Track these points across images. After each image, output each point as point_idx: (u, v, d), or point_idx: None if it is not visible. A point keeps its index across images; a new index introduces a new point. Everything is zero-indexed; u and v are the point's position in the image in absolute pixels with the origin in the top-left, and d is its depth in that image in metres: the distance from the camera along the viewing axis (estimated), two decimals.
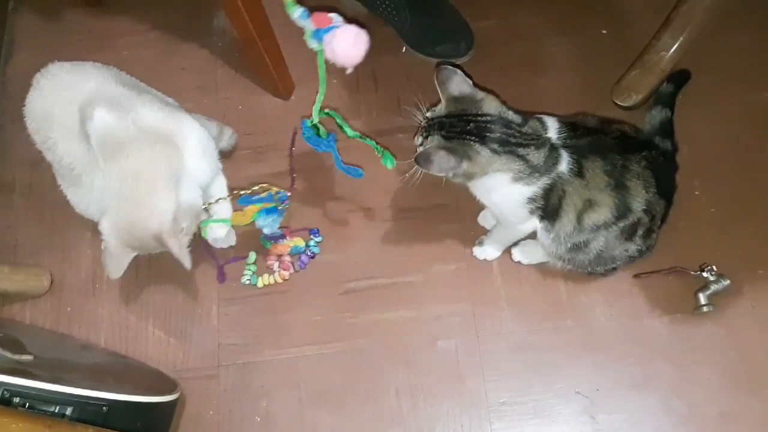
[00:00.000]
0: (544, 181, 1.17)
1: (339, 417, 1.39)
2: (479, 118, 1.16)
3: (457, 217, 1.49)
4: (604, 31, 1.61)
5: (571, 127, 1.21)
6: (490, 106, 1.18)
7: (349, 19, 1.17)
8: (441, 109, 1.21)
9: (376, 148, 1.34)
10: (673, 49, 1.49)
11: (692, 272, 1.37)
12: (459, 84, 1.19)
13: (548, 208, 1.21)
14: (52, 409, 1.04)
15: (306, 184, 1.58)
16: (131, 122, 1.20)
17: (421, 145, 1.21)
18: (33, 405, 1.03)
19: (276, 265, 1.50)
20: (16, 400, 1.02)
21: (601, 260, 1.29)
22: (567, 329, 1.39)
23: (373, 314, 1.45)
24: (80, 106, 1.23)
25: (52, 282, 1.55)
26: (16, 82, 1.77)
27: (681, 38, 1.49)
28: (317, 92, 1.25)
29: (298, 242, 1.51)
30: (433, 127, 1.19)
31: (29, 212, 1.63)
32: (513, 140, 1.15)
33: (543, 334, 1.39)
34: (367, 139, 1.35)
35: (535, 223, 1.27)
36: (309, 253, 1.51)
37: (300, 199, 1.56)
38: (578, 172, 1.18)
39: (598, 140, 1.21)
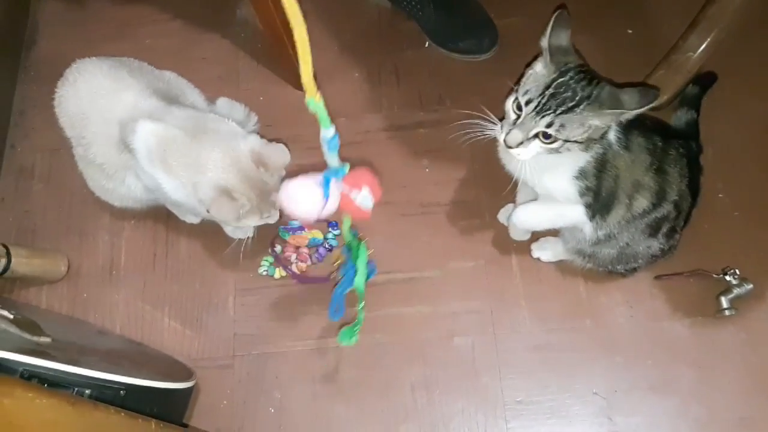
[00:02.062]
0: (597, 150, 1.10)
1: (353, 410, 1.38)
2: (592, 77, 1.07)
3: (477, 213, 1.48)
4: (630, 31, 1.60)
5: None
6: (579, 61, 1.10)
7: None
8: (546, 72, 1.08)
9: (357, 326, 1.28)
10: (700, 50, 1.47)
11: (715, 275, 1.35)
12: (567, 37, 1.10)
13: (601, 194, 1.15)
14: (70, 390, 1.04)
15: None
16: (174, 127, 1.21)
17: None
18: (51, 386, 1.02)
19: (293, 256, 1.50)
20: (35, 380, 1.01)
21: (624, 257, 1.28)
22: (586, 329, 1.38)
23: (390, 308, 1.44)
24: (120, 121, 1.25)
25: (69, 267, 1.55)
26: (39, 69, 1.78)
27: (708, 39, 1.48)
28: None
29: (316, 234, 1.51)
30: (560, 95, 1.04)
31: (48, 198, 1.63)
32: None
33: (561, 334, 1.38)
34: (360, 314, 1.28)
35: (582, 216, 1.20)
36: (327, 246, 1.50)
37: None
38: (625, 144, 1.12)
39: (641, 119, 1.16)
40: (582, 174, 1.13)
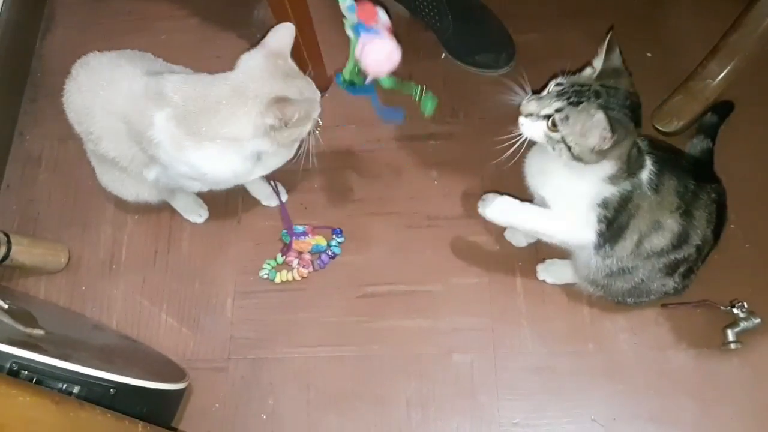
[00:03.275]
0: (626, 185, 1.10)
1: (346, 422, 1.36)
2: (633, 98, 1.08)
3: (484, 229, 1.46)
4: (649, 54, 1.58)
5: (650, 140, 1.16)
6: (627, 82, 1.10)
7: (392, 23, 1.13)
8: (590, 77, 1.10)
9: (414, 91, 1.24)
10: (719, 78, 1.45)
11: (722, 307, 1.32)
12: (618, 57, 1.11)
13: (613, 225, 1.14)
14: (59, 386, 1.02)
15: (332, 183, 1.56)
16: (182, 100, 1.18)
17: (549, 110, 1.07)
18: (41, 380, 1.01)
19: (295, 261, 1.48)
20: (24, 373, 1.00)
21: (636, 292, 1.25)
22: (588, 354, 1.35)
23: (389, 321, 1.42)
24: (124, 117, 1.22)
25: (70, 259, 1.54)
26: (52, 58, 1.77)
27: (728, 67, 1.45)
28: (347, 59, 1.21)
29: (320, 241, 1.49)
30: (583, 93, 1.05)
31: (53, 187, 1.62)
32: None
33: (563, 357, 1.36)
34: (406, 84, 1.23)
35: (588, 238, 1.17)
36: (330, 253, 1.49)
37: (325, 198, 1.54)
38: (656, 187, 1.11)
39: (676, 159, 1.16)
40: (604, 204, 1.12)
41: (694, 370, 1.32)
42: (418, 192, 1.52)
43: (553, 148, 1.08)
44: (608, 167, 1.09)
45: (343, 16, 1.11)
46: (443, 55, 1.64)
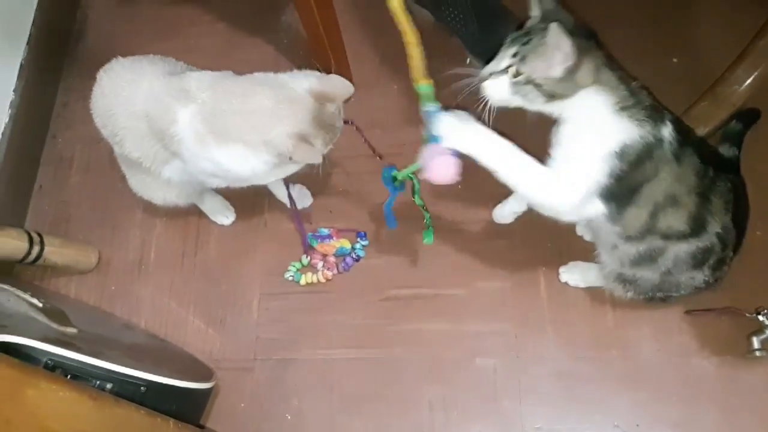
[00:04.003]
0: (647, 131, 1.05)
1: (369, 424, 1.38)
2: (584, 26, 1.08)
3: (507, 233, 1.47)
4: (675, 60, 1.57)
5: (676, 118, 1.13)
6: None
7: None
8: (533, 25, 1.11)
9: (428, 221, 1.32)
10: (746, 84, 1.44)
11: (747, 314, 1.31)
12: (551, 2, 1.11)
13: (622, 182, 1.08)
14: (92, 383, 1.05)
15: (356, 186, 1.57)
16: (210, 98, 1.20)
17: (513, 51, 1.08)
18: (75, 377, 1.03)
19: (320, 264, 1.50)
20: (59, 370, 1.03)
21: (665, 285, 1.24)
22: (611, 360, 1.35)
23: (413, 324, 1.43)
24: (143, 111, 1.24)
25: (100, 260, 1.58)
26: (85, 62, 1.81)
27: (755, 73, 1.44)
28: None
29: (344, 244, 1.51)
30: (531, 33, 1.07)
31: (84, 189, 1.66)
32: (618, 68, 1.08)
33: (586, 363, 1.36)
34: (427, 212, 1.32)
35: (597, 206, 1.13)
36: (354, 256, 1.50)
37: (349, 201, 1.56)
38: (677, 153, 1.08)
39: (701, 142, 1.14)
40: (623, 152, 1.06)
41: (718, 378, 1.32)
42: (443, 196, 1.53)
43: (525, 97, 1.07)
44: (601, 94, 1.06)
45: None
46: (468, 60, 1.65)
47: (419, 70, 1.02)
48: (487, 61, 1.15)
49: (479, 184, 1.51)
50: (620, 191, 1.10)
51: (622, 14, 1.63)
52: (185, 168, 1.30)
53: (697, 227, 1.14)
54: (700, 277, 1.22)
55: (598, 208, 1.14)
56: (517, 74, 1.07)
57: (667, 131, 1.08)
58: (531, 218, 1.42)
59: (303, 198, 1.56)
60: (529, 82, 1.06)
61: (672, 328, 1.36)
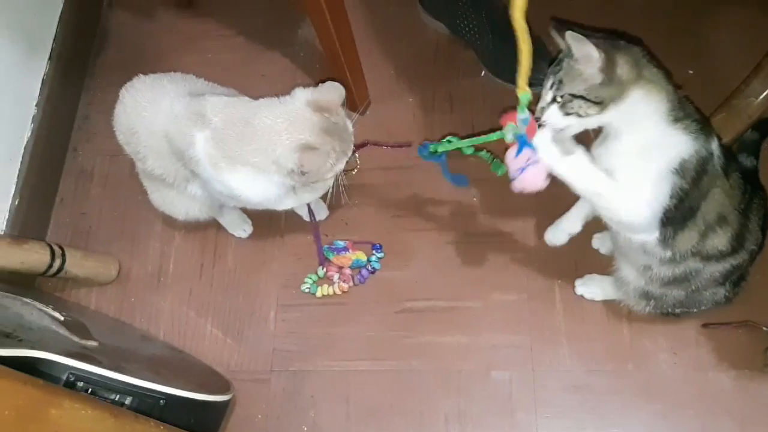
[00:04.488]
0: (701, 145, 1.02)
1: None
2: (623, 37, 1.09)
3: (523, 246, 1.48)
4: (691, 72, 1.57)
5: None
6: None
7: None
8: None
9: (488, 158, 1.29)
10: (762, 96, 1.43)
11: (764, 328, 1.31)
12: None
13: (684, 204, 1.06)
14: (112, 396, 1.07)
15: (372, 199, 1.58)
16: (222, 122, 1.22)
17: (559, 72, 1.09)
18: (95, 391, 1.06)
19: (336, 276, 1.51)
20: (80, 384, 1.05)
21: (689, 302, 1.24)
22: (627, 373, 1.35)
23: (428, 336, 1.44)
24: (167, 135, 1.26)
25: (120, 271, 1.60)
26: (105, 76, 1.84)
27: None
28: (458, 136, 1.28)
29: (360, 256, 1.52)
30: (560, 62, 1.09)
31: (104, 201, 1.68)
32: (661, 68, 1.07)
33: (601, 376, 1.36)
34: (482, 151, 1.29)
35: (651, 214, 1.09)
36: (370, 268, 1.51)
37: (365, 214, 1.57)
38: (725, 168, 1.07)
39: (738, 158, 1.15)
40: (682, 168, 1.03)
41: (735, 392, 1.31)
42: (458, 209, 1.54)
43: (580, 115, 1.05)
44: (653, 95, 1.03)
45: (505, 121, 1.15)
46: (483, 73, 1.66)
47: (525, 78, 1.03)
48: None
49: (494, 197, 1.53)
50: (680, 213, 1.08)
51: (637, 26, 1.62)
52: (205, 187, 1.32)
53: (737, 246, 1.13)
54: (722, 292, 1.22)
55: (652, 233, 1.13)
56: (561, 98, 1.07)
57: (715, 144, 1.07)
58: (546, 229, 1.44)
59: (319, 210, 1.57)
60: (574, 97, 1.05)
61: (689, 342, 1.36)
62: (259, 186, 1.24)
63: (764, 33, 1.50)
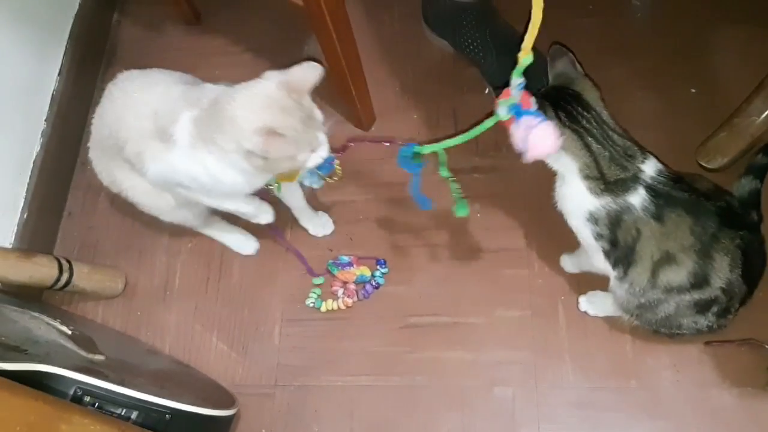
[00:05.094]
0: (609, 202, 1.14)
1: None
2: (565, 90, 1.15)
3: (527, 263, 1.49)
4: (693, 90, 1.58)
5: (675, 178, 1.17)
6: (585, 87, 1.17)
7: None
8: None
9: (456, 192, 1.32)
10: (764, 115, 1.44)
11: (767, 346, 1.32)
12: (566, 64, 1.19)
13: (618, 244, 1.17)
14: (119, 411, 1.08)
15: (377, 214, 1.60)
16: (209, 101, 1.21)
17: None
18: (102, 405, 1.07)
19: (340, 291, 1.52)
20: (87, 398, 1.06)
21: (668, 323, 1.26)
22: (630, 390, 1.36)
23: (431, 352, 1.45)
24: (156, 112, 1.25)
25: (126, 285, 1.62)
26: None
27: None
28: (450, 137, 1.28)
29: (364, 271, 1.53)
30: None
31: (111, 216, 1.70)
32: (586, 124, 1.12)
33: (604, 393, 1.36)
34: (455, 183, 1.32)
35: (607, 266, 1.23)
36: (374, 284, 1.53)
37: (370, 229, 1.58)
38: (656, 215, 1.13)
39: (696, 201, 1.17)
40: (592, 219, 1.17)
41: (738, 409, 1.32)
42: (462, 225, 1.55)
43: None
44: (568, 159, 1.14)
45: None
46: (487, 90, 1.68)
47: (531, 41, 1.02)
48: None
49: (498, 214, 1.55)
50: (620, 252, 1.19)
51: (640, 44, 1.65)
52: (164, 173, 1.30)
53: (698, 282, 1.17)
54: (703, 322, 1.24)
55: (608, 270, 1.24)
56: None
57: (636, 198, 1.13)
58: (549, 246, 1.45)
59: (325, 225, 1.59)
60: None
61: (691, 359, 1.36)
62: (228, 168, 1.21)
63: (766, 52, 1.52)
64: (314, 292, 1.54)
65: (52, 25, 1.78)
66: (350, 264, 1.54)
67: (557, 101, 1.14)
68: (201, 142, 1.20)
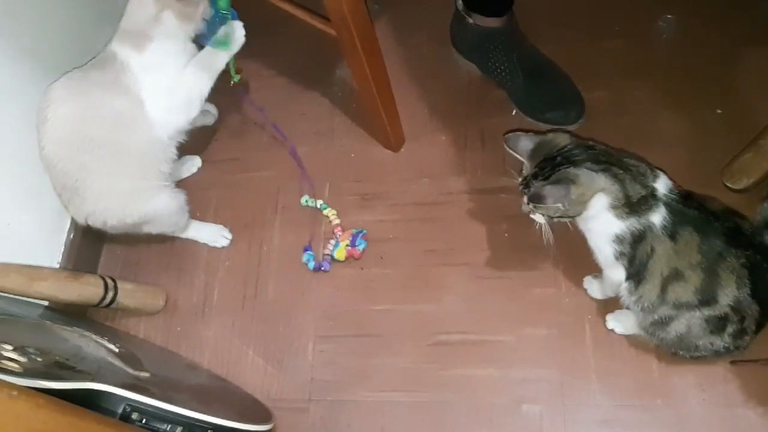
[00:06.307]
0: (633, 223, 1.20)
1: None
2: (561, 151, 1.23)
3: (554, 282, 1.52)
4: (719, 111, 1.60)
5: (685, 195, 1.22)
6: (562, 138, 1.26)
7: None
8: (528, 167, 1.30)
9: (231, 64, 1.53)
10: None
11: None
12: (525, 141, 1.29)
13: (634, 261, 1.23)
14: (164, 427, 1.14)
15: (406, 233, 1.64)
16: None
17: (528, 204, 1.27)
18: (149, 422, 1.12)
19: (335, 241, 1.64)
20: (135, 415, 1.12)
21: (684, 344, 1.29)
22: (656, 409, 1.38)
23: (460, 369, 1.49)
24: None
25: (167, 301, 1.68)
26: None
27: None
28: None
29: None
30: (529, 182, 1.26)
31: (153, 235, 1.76)
32: (603, 158, 1.21)
33: (630, 411, 1.39)
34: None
35: (621, 276, 1.29)
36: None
37: (399, 248, 1.63)
38: (671, 233, 1.19)
39: (705, 220, 1.20)
40: (618, 240, 1.23)
41: (763, 429, 1.33)
42: (489, 244, 1.59)
43: (561, 219, 1.27)
44: (602, 199, 1.20)
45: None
46: (514, 111, 1.71)
47: None
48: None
49: (525, 233, 1.57)
50: (633, 268, 1.25)
51: (666, 65, 1.67)
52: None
53: (706, 299, 1.20)
54: (719, 343, 1.26)
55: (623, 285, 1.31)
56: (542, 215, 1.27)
57: (657, 217, 1.20)
58: (577, 266, 1.48)
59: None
60: (552, 218, 1.26)
61: (717, 378, 1.38)
62: (172, 56, 1.46)
63: None
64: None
65: None
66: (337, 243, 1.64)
67: (571, 160, 1.21)
68: (135, 49, 1.42)
